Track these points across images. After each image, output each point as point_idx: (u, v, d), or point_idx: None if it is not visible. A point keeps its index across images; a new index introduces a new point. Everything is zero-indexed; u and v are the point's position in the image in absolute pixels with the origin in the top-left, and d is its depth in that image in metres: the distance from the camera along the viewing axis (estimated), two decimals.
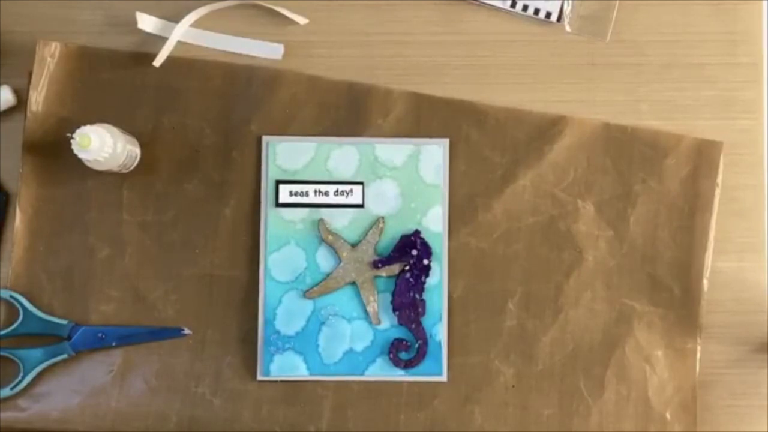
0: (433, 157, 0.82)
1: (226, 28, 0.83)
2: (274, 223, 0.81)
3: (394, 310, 0.80)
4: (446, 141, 0.82)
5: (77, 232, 0.81)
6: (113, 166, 0.77)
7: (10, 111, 0.82)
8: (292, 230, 0.81)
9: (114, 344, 0.80)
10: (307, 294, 0.80)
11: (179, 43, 0.82)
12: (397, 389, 0.80)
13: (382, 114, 0.82)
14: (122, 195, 0.81)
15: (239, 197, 0.81)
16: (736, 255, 0.82)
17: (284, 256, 0.81)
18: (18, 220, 0.80)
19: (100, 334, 0.80)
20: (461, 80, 0.83)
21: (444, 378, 0.80)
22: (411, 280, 0.80)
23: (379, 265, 0.80)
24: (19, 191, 0.80)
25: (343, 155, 0.81)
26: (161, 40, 0.82)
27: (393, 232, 0.81)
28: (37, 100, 0.81)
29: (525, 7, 0.83)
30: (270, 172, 0.81)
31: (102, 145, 0.73)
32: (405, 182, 0.81)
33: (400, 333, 0.80)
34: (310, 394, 0.80)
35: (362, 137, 0.82)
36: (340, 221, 0.81)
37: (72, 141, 0.73)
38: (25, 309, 0.79)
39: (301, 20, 0.83)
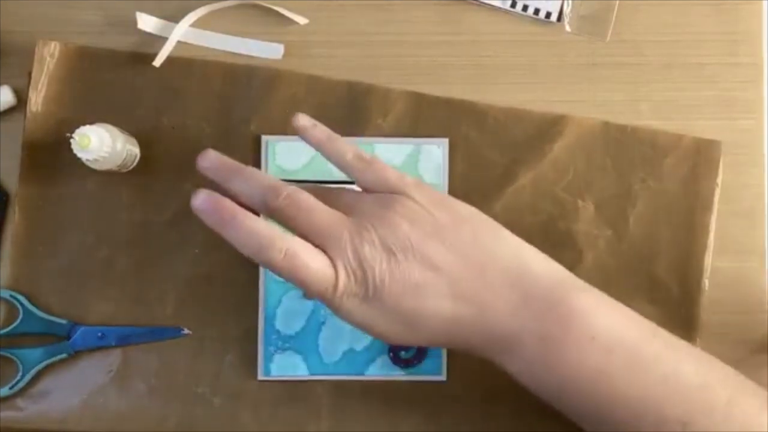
0: (432, 157, 0.81)
1: (226, 28, 0.84)
2: (274, 222, 0.80)
3: None
4: (446, 141, 0.82)
5: (76, 231, 0.81)
6: (113, 165, 0.77)
7: (10, 111, 0.82)
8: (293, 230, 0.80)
9: (113, 344, 0.80)
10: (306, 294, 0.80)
11: (179, 43, 0.82)
12: (397, 389, 0.80)
13: (382, 114, 0.82)
14: (122, 194, 0.81)
15: None
16: (735, 255, 0.82)
17: None
18: (17, 219, 0.80)
19: (99, 334, 0.80)
20: (461, 80, 0.83)
21: (443, 377, 0.80)
22: None
23: None
24: (19, 191, 0.81)
25: None
26: (161, 40, 0.82)
27: None
28: (36, 100, 0.81)
29: (525, 7, 0.84)
30: (270, 172, 0.81)
31: (101, 145, 0.73)
32: None
33: None
34: (310, 394, 0.80)
35: (362, 137, 0.81)
36: None
37: (71, 141, 0.73)
38: (24, 308, 0.79)
39: (301, 20, 0.83)
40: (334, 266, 0.65)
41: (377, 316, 0.67)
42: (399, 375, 0.80)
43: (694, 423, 0.65)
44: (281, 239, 0.65)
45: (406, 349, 0.80)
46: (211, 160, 0.71)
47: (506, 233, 0.70)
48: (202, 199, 0.66)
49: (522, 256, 0.68)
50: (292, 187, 0.68)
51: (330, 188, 0.73)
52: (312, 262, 0.65)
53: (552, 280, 0.68)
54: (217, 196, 0.67)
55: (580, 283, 0.70)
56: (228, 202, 0.66)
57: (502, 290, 0.66)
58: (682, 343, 0.69)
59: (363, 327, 0.69)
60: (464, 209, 0.70)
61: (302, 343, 0.80)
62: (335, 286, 0.65)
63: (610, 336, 0.66)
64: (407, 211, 0.67)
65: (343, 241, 0.65)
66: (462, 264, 0.66)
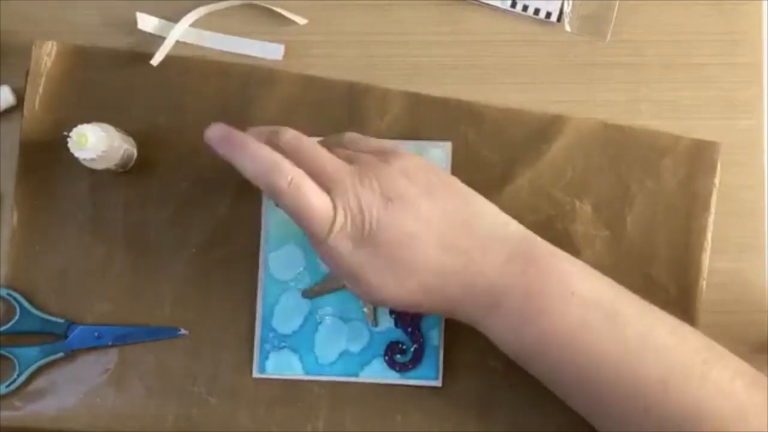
0: (434, 159, 0.81)
1: (225, 28, 0.84)
2: (274, 222, 0.81)
3: (391, 313, 0.80)
4: (448, 144, 0.81)
5: (74, 230, 0.81)
6: (110, 164, 0.77)
7: (9, 111, 0.82)
8: (292, 230, 0.80)
9: (110, 343, 0.80)
10: (305, 293, 0.80)
11: (178, 42, 0.83)
12: (394, 390, 0.80)
13: (380, 114, 0.82)
14: (119, 194, 0.81)
15: (237, 196, 0.81)
16: (734, 255, 0.81)
17: (283, 255, 0.81)
18: (15, 218, 0.81)
19: (96, 333, 0.80)
20: (461, 80, 0.83)
21: (438, 383, 0.79)
22: None
23: None
24: (16, 190, 0.81)
25: None
26: (160, 39, 0.82)
27: None
28: (33, 99, 0.81)
29: (525, 7, 0.83)
30: None
31: (99, 144, 0.74)
32: None
33: (397, 335, 0.80)
34: (307, 394, 0.80)
35: None
36: None
37: (69, 140, 0.73)
38: (21, 307, 0.79)
39: (301, 20, 0.83)
40: (334, 206, 0.68)
41: (367, 263, 0.69)
42: (394, 379, 0.80)
43: (672, 382, 0.67)
44: (289, 166, 0.67)
45: (402, 352, 0.79)
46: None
47: (486, 200, 0.73)
48: (213, 130, 0.70)
49: (504, 221, 0.72)
50: (298, 132, 0.72)
51: (332, 140, 0.76)
52: (314, 196, 0.67)
53: (533, 242, 0.72)
54: (229, 128, 0.70)
55: (558, 250, 0.73)
56: (239, 133, 0.70)
57: (489, 247, 0.69)
58: (659, 311, 0.72)
59: (351, 273, 0.70)
60: (450, 178, 0.74)
61: (298, 342, 0.80)
62: (332, 225, 0.68)
63: (590, 294, 0.70)
64: (405, 166, 0.71)
65: (346, 184, 0.68)
66: (452, 220, 0.70)
